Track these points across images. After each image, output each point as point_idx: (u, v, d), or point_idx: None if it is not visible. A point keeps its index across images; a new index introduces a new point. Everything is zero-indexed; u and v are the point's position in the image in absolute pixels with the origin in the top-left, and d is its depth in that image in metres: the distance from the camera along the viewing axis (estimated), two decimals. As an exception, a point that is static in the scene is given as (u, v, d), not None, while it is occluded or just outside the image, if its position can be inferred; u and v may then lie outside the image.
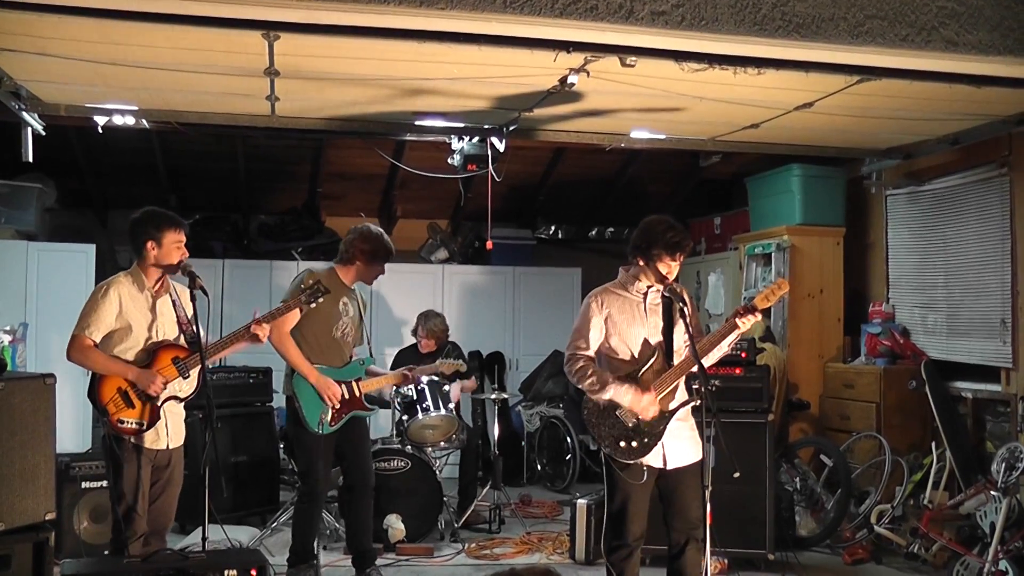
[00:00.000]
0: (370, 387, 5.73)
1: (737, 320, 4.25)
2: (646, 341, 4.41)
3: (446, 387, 7.03)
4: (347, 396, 5.49)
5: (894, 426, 7.25)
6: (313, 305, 5.13)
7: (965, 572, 5.72)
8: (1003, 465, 5.75)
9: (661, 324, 4.43)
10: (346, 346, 5.61)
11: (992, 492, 5.74)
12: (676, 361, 4.39)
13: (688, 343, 4.36)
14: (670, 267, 4.34)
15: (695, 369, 4.27)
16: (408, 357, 7.52)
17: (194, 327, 4.68)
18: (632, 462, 4.35)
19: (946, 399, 7.05)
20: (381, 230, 5.69)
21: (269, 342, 5.26)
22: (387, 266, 5.73)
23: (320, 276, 5.45)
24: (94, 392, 4.47)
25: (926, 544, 6.12)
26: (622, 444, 4.34)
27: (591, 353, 4.46)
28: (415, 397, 6.85)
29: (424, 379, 6.88)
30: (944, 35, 4.65)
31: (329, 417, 5.39)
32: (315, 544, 5.62)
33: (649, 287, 4.42)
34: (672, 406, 4.38)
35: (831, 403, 7.91)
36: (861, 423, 7.42)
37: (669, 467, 4.38)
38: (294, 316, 5.33)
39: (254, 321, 4.76)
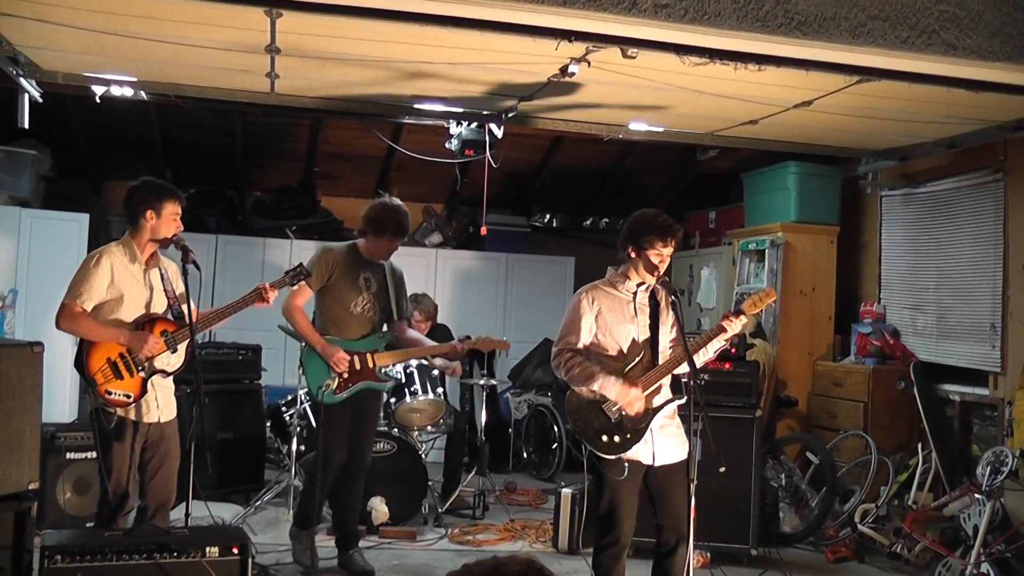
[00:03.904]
0: (388, 360, 5.60)
1: (724, 323, 4.28)
2: (634, 339, 4.41)
3: (435, 371, 7.03)
4: (358, 367, 5.45)
5: (881, 426, 7.29)
6: (295, 287, 5.22)
7: (947, 573, 5.75)
8: (988, 469, 5.77)
9: (649, 323, 4.44)
10: (367, 321, 5.55)
11: (976, 495, 5.76)
12: (662, 360, 4.40)
13: (677, 340, 4.41)
14: (661, 255, 4.32)
15: (683, 369, 4.29)
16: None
17: (182, 303, 4.67)
18: (613, 457, 4.35)
19: (934, 401, 7.07)
20: (398, 203, 5.57)
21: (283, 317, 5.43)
22: None
23: (337, 253, 5.52)
24: (82, 361, 4.44)
25: (909, 544, 6.14)
26: (604, 438, 4.34)
27: (580, 349, 4.46)
28: (403, 380, 6.84)
29: (414, 361, 6.89)
30: (944, 39, 4.65)
31: (335, 385, 5.39)
32: (315, 515, 5.63)
33: (639, 285, 4.42)
34: (657, 403, 4.38)
35: (819, 401, 7.94)
36: (848, 422, 7.45)
37: (657, 463, 4.38)
38: (304, 293, 5.43)
39: (262, 287, 4.79)
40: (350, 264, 5.51)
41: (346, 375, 5.41)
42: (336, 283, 5.47)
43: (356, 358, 5.45)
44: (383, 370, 5.60)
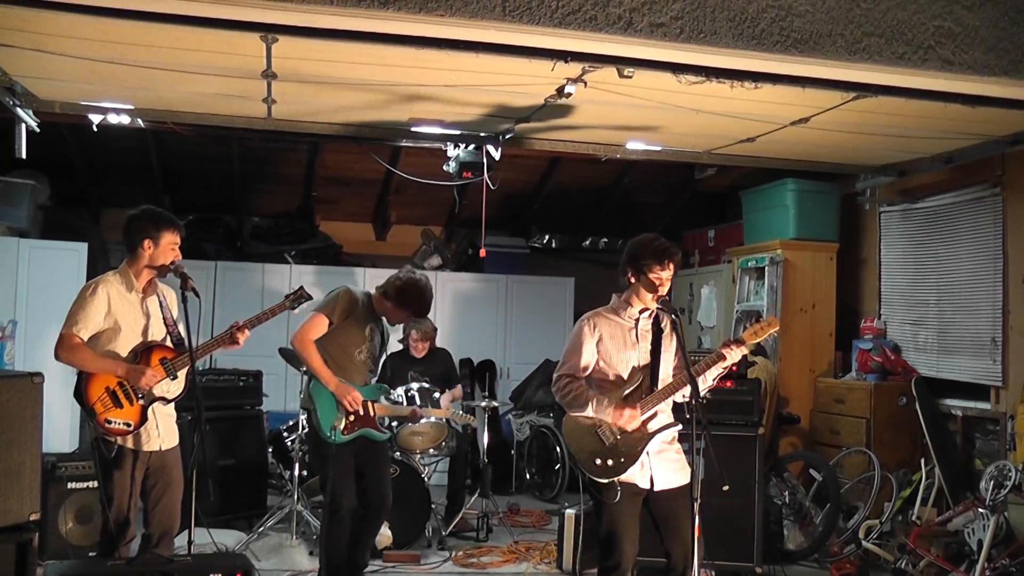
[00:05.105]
0: (383, 412, 5.70)
1: (724, 351, 4.28)
2: (633, 366, 4.42)
3: (436, 394, 7.01)
4: (362, 413, 5.41)
5: (884, 442, 7.27)
6: (296, 311, 5.17)
7: (952, 589, 5.73)
8: (991, 483, 5.76)
9: (650, 349, 4.44)
10: (364, 370, 5.53)
11: (980, 509, 5.76)
12: (662, 386, 4.39)
13: (677, 363, 4.43)
14: (661, 278, 4.34)
15: (682, 396, 4.31)
16: (400, 362, 7.50)
17: (179, 329, 4.65)
18: (606, 480, 4.33)
19: (936, 416, 7.06)
20: (428, 285, 5.60)
21: (292, 347, 5.35)
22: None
23: (357, 296, 5.45)
24: (81, 392, 4.42)
25: (914, 560, 6.11)
26: (597, 461, 4.33)
27: (581, 375, 4.46)
28: (404, 404, 6.82)
29: (415, 385, 6.90)
30: (940, 54, 4.67)
31: (343, 426, 5.34)
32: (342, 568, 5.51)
33: (641, 311, 4.43)
34: (653, 428, 4.37)
35: (821, 418, 7.91)
36: (851, 438, 7.43)
37: (656, 488, 4.36)
38: (321, 326, 5.30)
39: (235, 327, 4.72)
40: (366, 311, 5.48)
41: (352, 417, 5.38)
42: (350, 325, 5.40)
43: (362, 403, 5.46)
44: (384, 420, 5.65)
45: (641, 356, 4.42)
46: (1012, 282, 6.69)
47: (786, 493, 6.93)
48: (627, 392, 4.36)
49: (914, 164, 7.30)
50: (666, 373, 4.45)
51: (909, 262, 7.81)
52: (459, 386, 7.76)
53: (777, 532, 6.57)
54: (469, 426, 7.68)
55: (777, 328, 4.44)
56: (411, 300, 5.49)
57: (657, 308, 4.40)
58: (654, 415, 4.37)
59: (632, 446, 4.31)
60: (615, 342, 4.43)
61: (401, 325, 7.52)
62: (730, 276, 8.99)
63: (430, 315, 8.17)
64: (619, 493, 4.31)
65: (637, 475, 4.33)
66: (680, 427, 4.40)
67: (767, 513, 6.30)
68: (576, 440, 4.40)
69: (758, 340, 4.39)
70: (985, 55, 4.73)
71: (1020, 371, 6.58)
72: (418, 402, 6.86)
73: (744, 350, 4.31)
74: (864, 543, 6.44)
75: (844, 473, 7.22)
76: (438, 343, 7.84)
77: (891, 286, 8.03)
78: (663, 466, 4.39)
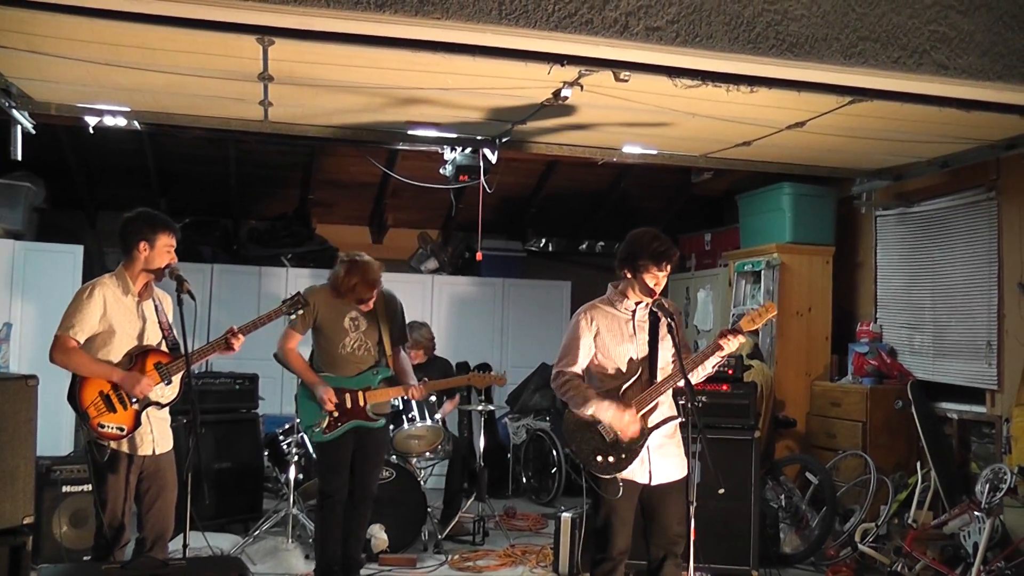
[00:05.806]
0: (379, 397, 5.59)
1: (721, 341, 4.28)
2: (631, 358, 4.41)
3: (432, 398, 7.00)
4: (348, 405, 5.44)
5: (880, 445, 7.26)
6: (293, 317, 5.20)
7: (948, 593, 5.73)
8: (987, 486, 5.77)
9: (648, 340, 4.43)
10: (360, 359, 5.57)
11: (976, 512, 5.77)
12: (661, 377, 4.39)
13: (674, 359, 4.39)
14: (657, 278, 4.34)
15: (680, 384, 4.28)
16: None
17: (175, 333, 4.65)
18: (608, 476, 4.33)
19: (932, 419, 7.07)
20: (356, 262, 5.48)
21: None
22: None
23: (319, 297, 5.51)
24: (74, 395, 4.42)
25: (910, 563, 6.11)
26: (599, 458, 4.34)
27: (579, 370, 4.46)
28: (401, 407, 6.82)
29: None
30: (935, 59, 4.67)
31: (325, 424, 5.37)
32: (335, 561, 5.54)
33: (637, 303, 4.43)
34: (654, 422, 4.37)
35: (817, 421, 7.91)
36: (847, 442, 7.43)
37: (654, 483, 4.37)
38: (293, 337, 5.51)
39: (230, 332, 4.72)
40: (333, 307, 5.51)
41: (336, 414, 5.40)
42: (322, 326, 5.51)
43: (348, 396, 5.44)
44: (381, 405, 5.60)
45: (639, 348, 4.43)
46: (1007, 286, 6.69)
47: (782, 496, 6.93)
48: (627, 385, 4.37)
49: (910, 168, 7.31)
50: (665, 362, 4.44)
51: (905, 266, 7.81)
52: (457, 396, 7.75)
53: (773, 535, 6.56)
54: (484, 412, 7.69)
55: (775, 313, 4.43)
56: (339, 285, 5.48)
57: (653, 310, 4.41)
58: (654, 407, 4.37)
59: (633, 442, 4.32)
60: (613, 335, 4.43)
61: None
62: (726, 280, 9.00)
63: (428, 320, 8.22)
64: (621, 489, 4.32)
65: (637, 471, 4.35)
66: (681, 419, 4.40)
67: (763, 516, 6.30)
68: (577, 437, 4.41)
69: (756, 327, 4.38)
70: (980, 60, 4.73)
71: (1015, 374, 6.58)
72: (415, 410, 6.85)
73: (741, 338, 4.31)
74: (860, 546, 6.43)
75: (840, 476, 7.22)
76: (436, 352, 7.84)
77: (887, 290, 8.04)
78: (662, 460, 4.40)
